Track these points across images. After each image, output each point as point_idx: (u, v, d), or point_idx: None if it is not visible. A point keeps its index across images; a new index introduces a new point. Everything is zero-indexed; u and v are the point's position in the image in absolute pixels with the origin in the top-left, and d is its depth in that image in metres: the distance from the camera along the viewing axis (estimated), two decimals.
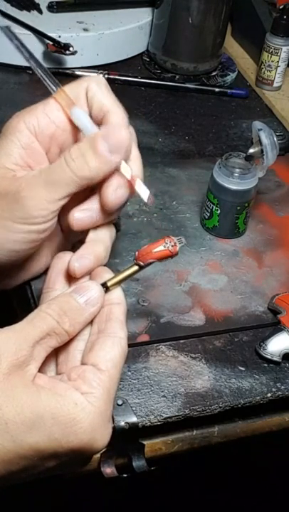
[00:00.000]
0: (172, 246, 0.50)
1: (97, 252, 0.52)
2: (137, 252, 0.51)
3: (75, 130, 0.54)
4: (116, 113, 0.52)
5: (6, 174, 0.52)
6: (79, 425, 0.44)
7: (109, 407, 0.46)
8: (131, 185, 0.52)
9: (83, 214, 0.52)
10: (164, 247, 0.50)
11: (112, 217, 0.54)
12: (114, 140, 0.50)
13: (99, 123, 0.53)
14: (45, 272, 0.56)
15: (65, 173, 0.50)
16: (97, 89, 0.53)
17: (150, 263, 0.51)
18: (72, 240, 0.59)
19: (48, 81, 0.55)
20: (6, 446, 0.42)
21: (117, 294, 0.51)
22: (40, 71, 0.55)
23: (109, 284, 0.50)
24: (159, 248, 0.50)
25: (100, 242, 0.53)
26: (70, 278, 0.52)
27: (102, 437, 0.46)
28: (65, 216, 0.56)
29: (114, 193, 0.51)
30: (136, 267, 0.51)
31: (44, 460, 0.44)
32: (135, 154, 0.55)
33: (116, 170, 0.51)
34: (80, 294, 0.49)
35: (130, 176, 0.52)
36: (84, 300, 0.49)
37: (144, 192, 0.52)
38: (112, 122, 0.52)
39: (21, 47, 0.56)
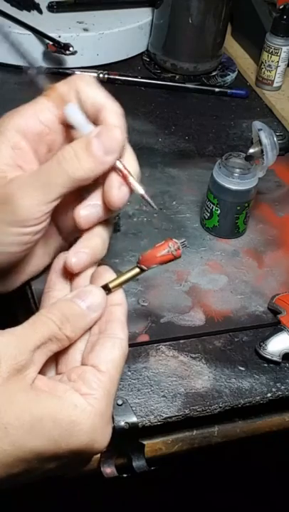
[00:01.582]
0: (176, 250, 0.50)
1: (94, 246, 0.52)
2: (140, 257, 0.50)
3: (65, 129, 0.53)
4: (110, 108, 0.51)
5: None
6: (79, 427, 0.44)
7: (109, 408, 0.46)
8: (127, 183, 0.52)
9: (88, 211, 0.51)
10: (168, 251, 0.50)
11: (114, 213, 0.53)
12: (108, 140, 0.50)
13: (94, 121, 0.52)
14: (46, 272, 0.56)
15: (58, 173, 0.49)
16: (87, 87, 0.52)
17: (153, 267, 0.51)
18: (70, 239, 0.59)
19: (39, 79, 0.54)
20: (6, 450, 0.42)
21: (119, 295, 0.51)
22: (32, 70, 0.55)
23: (111, 285, 0.50)
24: (163, 252, 0.50)
25: (96, 235, 0.52)
26: (71, 278, 0.52)
27: (102, 438, 0.46)
28: (61, 216, 0.56)
29: (118, 192, 0.51)
30: (138, 270, 0.51)
31: (44, 462, 0.44)
32: (128, 151, 0.53)
33: (112, 168, 0.51)
34: (83, 300, 0.49)
35: (126, 173, 0.51)
36: (86, 306, 0.48)
37: (140, 189, 0.52)
38: (106, 118, 0.51)
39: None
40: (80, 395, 0.45)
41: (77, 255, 0.51)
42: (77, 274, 0.52)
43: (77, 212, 0.51)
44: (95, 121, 0.52)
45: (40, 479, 0.47)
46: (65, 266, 0.51)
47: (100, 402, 0.45)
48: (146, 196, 0.52)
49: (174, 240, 0.50)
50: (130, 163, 0.52)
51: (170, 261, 0.50)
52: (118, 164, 0.51)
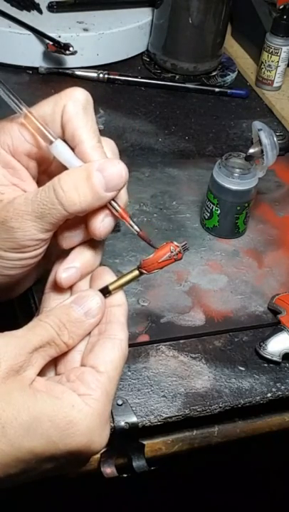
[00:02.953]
0: (177, 254, 0.49)
1: (84, 260, 0.51)
2: (142, 261, 0.50)
3: None
4: (88, 145, 0.48)
5: None
6: (76, 427, 0.44)
7: (108, 408, 0.46)
8: (121, 217, 0.50)
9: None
10: (169, 256, 0.49)
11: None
12: (112, 176, 0.47)
13: (72, 148, 0.49)
14: (46, 273, 0.56)
15: (55, 206, 0.47)
16: (72, 112, 0.49)
17: (154, 272, 0.50)
18: (68, 243, 0.57)
19: (15, 102, 0.50)
20: (4, 450, 0.42)
21: (119, 296, 0.50)
22: (5, 91, 0.51)
23: (110, 288, 0.50)
24: (165, 258, 0.49)
25: (86, 248, 0.51)
26: None
27: (100, 439, 0.45)
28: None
29: (101, 224, 0.49)
30: (138, 273, 0.50)
31: (42, 463, 0.44)
32: None
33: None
34: (80, 305, 0.48)
35: (121, 210, 0.49)
36: (84, 311, 0.48)
37: (136, 228, 0.50)
38: (83, 153, 0.48)
39: None
40: (78, 396, 0.45)
41: (67, 271, 0.50)
42: None
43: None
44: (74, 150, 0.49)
45: (39, 479, 0.47)
46: (55, 281, 0.50)
47: (97, 403, 0.45)
48: (145, 236, 0.51)
49: (175, 243, 0.49)
50: (121, 193, 0.50)
51: (171, 264, 0.50)
52: (112, 202, 0.49)
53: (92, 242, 0.51)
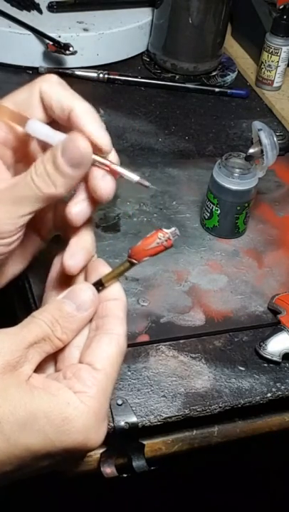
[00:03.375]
0: (166, 240, 0.48)
1: (86, 244, 0.51)
2: (130, 250, 0.48)
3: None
4: (79, 109, 0.49)
5: None
6: (71, 424, 0.44)
7: (105, 405, 0.46)
8: (114, 173, 0.50)
9: (80, 207, 0.50)
10: (158, 243, 0.48)
11: (100, 206, 0.52)
12: (74, 153, 0.47)
13: (66, 124, 0.50)
14: (46, 272, 0.56)
15: (31, 190, 0.48)
16: (50, 89, 0.50)
17: (145, 260, 0.49)
18: (48, 238, 0.58)
19: None
20: (0, 447, 0.42)
21: (115, 290, 0.50)
22: None
23: (103, 280, 0.50)
24: (153, 245, 0.48)
25: (84, 233, 0.52)
26: (70, 276, 0.52)
27: (96, 436, 0.45)
28: (39, 219, 0.54)
29: (104, 182, 0.49)
30: (128, 263, 0.49)
31: (38, 460, 0.44)
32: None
33: (92, 165, 0.49)
34: (72, 300, 0.48)
35: (109, 165, 0.49)
36: (76, 306, 0.48)
37: (132, 175, 0.50)
38: (77, 121, 0.49)
39: None
40: (74, 393, 0.45)
41: (74, 258, 0.50)
42: None
43: (69, 210, 0.50)
44: (66, 123, 0.50)
45: (34, 476, 0.47)
46: (64, 270, 0.50)
47: (93, 400, 0.45)
48: (141, 180, 0.51)
49: (164, 229, 0.48)
50: (111, 154, 0.50)
51: (161, 252, 0.48)
52: (97, 159, 0.49)
53: (86, 227, 0.51)
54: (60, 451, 0.44)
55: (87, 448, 0.45)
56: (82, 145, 0.47)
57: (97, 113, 0.50)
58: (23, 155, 0.53)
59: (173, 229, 0.48)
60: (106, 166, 0.49)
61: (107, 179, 0.50)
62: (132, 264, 0.49)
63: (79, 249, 0.51)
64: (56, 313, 0.47)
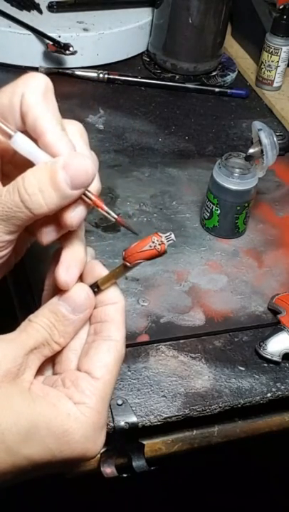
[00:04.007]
0: (159, 244, 0.46)
1: (79, 254, 0.49)
2: (124, 252, 0.47)
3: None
4: (51, 136, 0.45)
5: None
6: (71, 436, 0.44)
7: (104, 414, 0.46)
8: (95, 205, 0.47)
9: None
10: (151, 246, 0.46)
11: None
12: (77, 172, 0.44)
13: (34, 139, 0.47)
14: (45, 272, 0.56)
15: (21, 209, 0.45)
16: (31, 101, 0.45)
17: (138, 263, 0.47)
18: (47, 239, 0.56)
19: None
20: (2, 457, 0.42)
21: (113, 293, 0.49)
22: None
23: (99, 283, 0.49)
24: (145, 248, 0.46)
25: (76, 243, 0.49)
26: None
27: (94, 446, 0.46)
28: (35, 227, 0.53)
29: (73, 214, 0.46)
30: (122, 265, 0.48)
31: (37, 468, 0.44)
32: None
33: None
34: (67, 302, 0.47)
35: (94, 198, 0.47)
36: (72, 308, 0.47)
37: (112, 213, 0.48)
38: (47, 144, 0.45)
39: None
40: (74, 404, 0.44)
41: (69, 272, 0.48)
42: None
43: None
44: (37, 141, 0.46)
45: (39, 478, 0.47)
46: (58, 284, 0.48)
47: (92, 411, 0.45)
48: (123, 222, 0.48)
49: (160, 233, 0.46)
50: (93, 181, 0.47)
51: (155, 257, 0.46)
52: (86, 192, 0.46)
53: (76, 235, 0.49)
54: (59, 460, 0.44)
55: (85, 457, 0.46)
56: (88, 163, 0.44)
57: (81, 136, 0.47)
58: (9, 157, 0.50)
59: (168, 233, 0.46)
60: (91, 200, 0.47)
61: (78, 210, 0.46)
62: (126, 267, 0.47)
63: (73, 262, 0.49)
64: (52, 317, 0.47)
